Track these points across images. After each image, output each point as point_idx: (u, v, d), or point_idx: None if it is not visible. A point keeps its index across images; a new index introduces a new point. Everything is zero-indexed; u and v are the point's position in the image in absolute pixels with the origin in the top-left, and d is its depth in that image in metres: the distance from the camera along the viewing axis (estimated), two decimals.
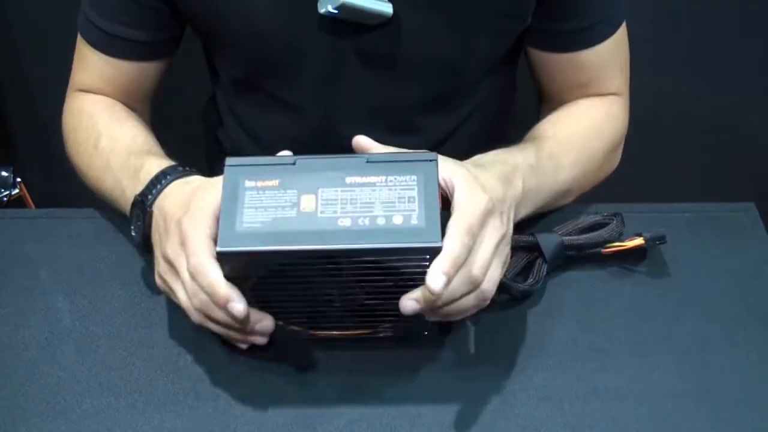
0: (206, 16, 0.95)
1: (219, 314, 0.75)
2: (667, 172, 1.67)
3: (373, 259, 0.72)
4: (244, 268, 0.73)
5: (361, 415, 0.77)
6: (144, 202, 0.84)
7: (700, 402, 0.79)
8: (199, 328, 0.79)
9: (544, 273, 0.87)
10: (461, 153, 0.85)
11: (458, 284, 0.73)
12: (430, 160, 0.73)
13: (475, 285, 0.74)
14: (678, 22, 1.55)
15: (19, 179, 1.30)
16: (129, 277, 0.88)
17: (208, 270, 0.72)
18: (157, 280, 0.81)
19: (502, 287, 0.81)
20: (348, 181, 0.72)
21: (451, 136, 1.06)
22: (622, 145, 1.04)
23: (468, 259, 0.73)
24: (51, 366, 0.81)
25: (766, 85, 1.63)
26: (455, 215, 0.74)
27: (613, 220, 0.89)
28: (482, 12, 0.93)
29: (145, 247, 0.85)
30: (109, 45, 0.97)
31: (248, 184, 0.73)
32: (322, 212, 0.71)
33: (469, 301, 0.76)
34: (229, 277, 0.73)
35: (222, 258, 0.72)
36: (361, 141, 0.83)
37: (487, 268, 0.75)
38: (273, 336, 0.78)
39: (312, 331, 0.80)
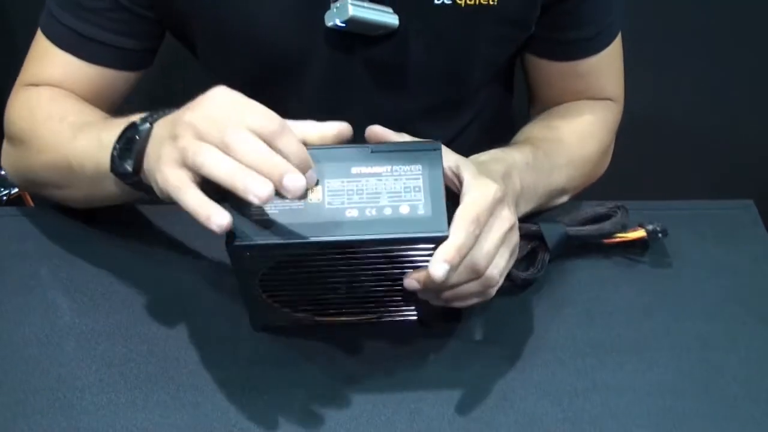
0: (210, 27, 0.94)
1: (289, 141, 0.69)
2: (666, 169, 1.67)
3: (381, 248, 0.72)
4: (253, 259, 0.73)
5: (361, 410, 0.77)
6: (142, 122, 0.77)
7: (698, 398, 0.79)
8: (197, 324, 0.79)
9: (546, 262, 0.87)
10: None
11: (462, 271, 0.73)
12: (434, 150, 0.74)
13: (479, 273, 0.75)
14: (678, 19, 1.55)
15: None
16: (129, 274, 0.88)
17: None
18: (171, 157, 0.70)
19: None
20: (353, 172, 0.72)
21: (453, 141, 1.06)
22: (611, 150, 1.04)
23: (474, 247, 0.73)
24: (51, 363, 0.81)
25: (766, 83, 1.63)
26: (464, 203, 0.74)
27: (617, 212, 0.90)
28: (486, 20, 0.93)
29: (135, 177, 0.78)
30: (83, 48, 0.93)
31: None
32: (329, 203, 0.71)
33: (473, 287, 0.76)
34: (237, 269, 0.72)
35: (237, 251, 0.71)
36: (376, 130, 0.80)
37: (492, 256, 0.75)
38: (278, 322, 0.78)
39: (317, 318, 0.81)
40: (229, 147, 0.68)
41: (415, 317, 0.83)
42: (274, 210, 0.71)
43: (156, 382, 0.79)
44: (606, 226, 0.89)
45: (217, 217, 0.67)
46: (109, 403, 0.78)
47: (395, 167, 0.73)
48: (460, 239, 0.71)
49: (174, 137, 0.71)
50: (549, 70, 1.02)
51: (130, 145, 0.77)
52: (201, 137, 0.69)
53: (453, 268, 0.71)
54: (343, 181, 0.72)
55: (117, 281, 0.88)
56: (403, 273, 0.74)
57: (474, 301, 0.78)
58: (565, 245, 0.88)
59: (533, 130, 0.98)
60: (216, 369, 0.80)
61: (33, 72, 0.96)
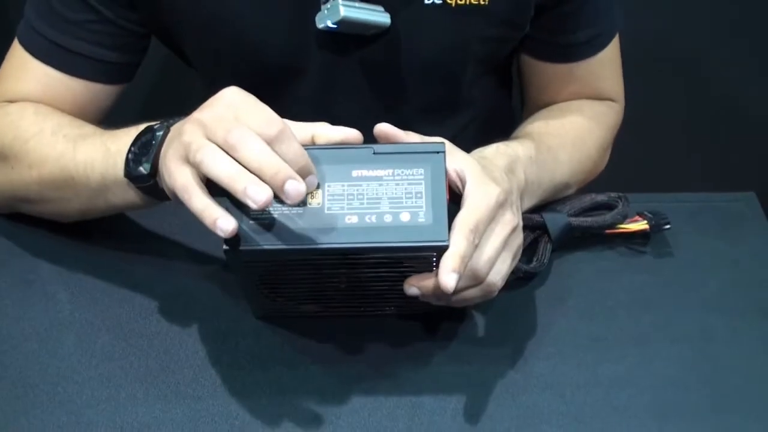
0: (199, 32, 0.93)
1: (290, 146, 0.69)
2: (668, 162, 1.66)
3: (381, 254, 0.72)
4: (249, 262, 0.72)
5: (362, 404, 0.77)
6: (159, 127, 0.77)
7: (701, 391, 0.79)
8: (198, 319, 0.78)
9: (549, 253, 0.87)
10: None
11: (463, 278, 0.72)
12: (438, 152, 0.72)
13: (480, 279, 0.74)
14: (678, 13, 1.55)
15: None
16: (129, 268, 0.88)
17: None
18: (177, 153, 0.71)
19: None
20: (354, 175, 0.71)
21: (451, 140, 1.05)
22: (610, 149, 1.04)
23: (475, 254, 0.72)
24: (51, 357, 0.81)
25: (767, 74, 1.62)
26: (464, 210, 0.73)
27: (618, 202, 0.90)
28: (479, 19, 0.92)
29: (150, 180, 0.78)
30: (66, 61, 0.92)
31: None
32: (329, 208, 0.70)
33: (474, 292, 0.76)
34: (233, 269, 0.72)
35: (231, 255, 0.70)
36: (384, 128, 0.77)
37: (493, 262, 0.74)
38: (279, 313, 0.79)
39: (319, 311, 0.81)
40: (231, 147, 0.68)
41: (417, 311, 0.82)
42: (272, 213, 0.70)
43: (156, 376, 0.79)
44: (607, 217, 0.89)
45: (223, 222, 0.67)
46: (109, 398, 0.77)
47: (397, 171, 0.71)
48: (462, 248, 0.70)
49: (181, 134, 0.71)
50: (546, 72, 1.02)
51: (147, 149, 0.77)
52: (206, 135, 0.69)
53: (461, 276, 0.70)
54: (343, 185, 0.71)
55: (117, 276, 0.87)
56: (404, 275, 0.74)
57: (475, 301, 0.78)
58: (568, 236, 0.88)
59: (534, 125, 0.98)
60: (217, 363, 0.80)
61: (10, 86, 0.94)
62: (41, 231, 0.91)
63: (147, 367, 0.80)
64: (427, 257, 0.72)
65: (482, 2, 0.91)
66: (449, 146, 0.75)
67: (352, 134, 0.73)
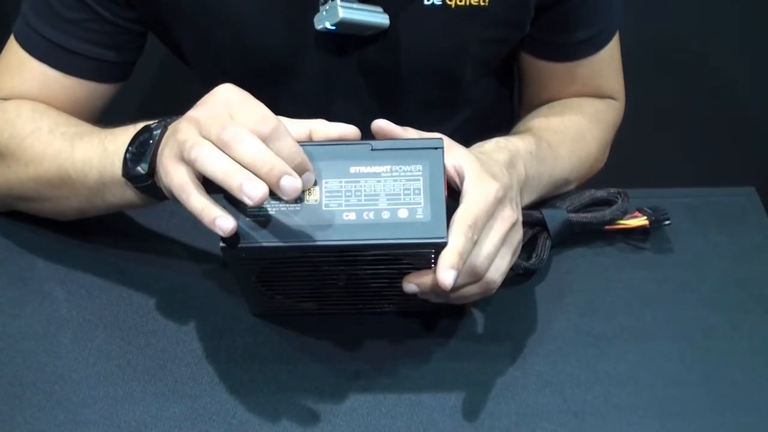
0: (197, 31, 0.93)
1: (286, 143, 0.68)
2: (668, 157, 1.66)
3: (379, 251, 0.71)
4: (246, 259, 0.72)
5: (361, 402, 0.77)
6: (156, 126, 0.77)
7: (701, 388, 0.79)
8: (195, 317, 0.78)
9: (549, 249, 0.87)
10: None
11: (462, 275, 0.72)
12: (436, 148, 0.72)
13: (478, 276, 0.74)
14: (679, 11, 1.55)
15: None
16: (126, 266, 0.88)
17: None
18: (172, 152, 0.70)
19: None
20: (352, 171, 0.71)
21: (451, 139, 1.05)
22: (609, 146, 1.04)
23: (473, 251, 0.72)
24: (48, 355, 0.80)
25: (767, 71, 1.62)
26: (462, 206, 0.73)
27: (617, 198, 0.90)
28: (479, 21, 0.92)
29: (149, 180, 0.77)
30: (62, 60, 0.92)
31: None
32: (326, 205, 0.70)
33: (473, 289, 0.75)
34: (229, 266, 0.71)
35: (235, 252, 0.70)
36: (381, 125, 0.76)
37: (492, 258, 0.74)
38: (276, 310, 0.79)
39: (316, 308, 0.81)
40: (226, 144, 0.67)
41: (416, 309, 0.82)
42: (269, 210, 0.69)
43: (154, 374, 0.79)
44: (607, 212, 0.89)
45: (223, 222, 0.67)
46: (106, 396, 0.77)
47: (395, 167, 0.71)
48: (459, 244, 0.70)
49: (176, 132, 0.71)
50: (546, 71, 1.01)
51: (144, 149, 0.77)
52: (200, 133, 0.69)
53: (459, 273, 0.70)
54: (341, 182, 0.70)
55: (114, 273, 0.87)
56: (402, 272, 0.73)
57: (474, 298, 0.77)
58: (567, 232, 0.88)
59: (534, 121, 0.97)
60: (214, 361, 0.80)
61: (6, 84, 0.94)
62: (37, 229, 0.91)
63: (144, 365, 0.79)
64: (426, 254, 0.71)
65: (482, 3, 0.90)
66: (448, 142, 0.75)
67: (349, 131, 0.73)
